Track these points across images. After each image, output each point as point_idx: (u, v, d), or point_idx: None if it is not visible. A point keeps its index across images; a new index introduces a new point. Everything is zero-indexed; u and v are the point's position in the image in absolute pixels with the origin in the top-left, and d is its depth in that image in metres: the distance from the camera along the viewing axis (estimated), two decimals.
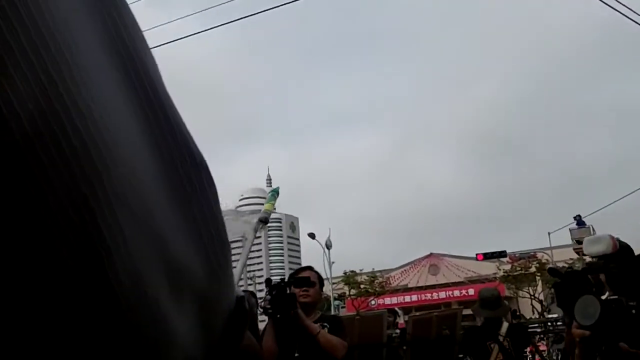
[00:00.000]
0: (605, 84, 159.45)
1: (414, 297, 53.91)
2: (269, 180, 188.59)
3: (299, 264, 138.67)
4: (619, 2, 10.38)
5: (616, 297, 2.96)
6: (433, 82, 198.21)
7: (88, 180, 0.37)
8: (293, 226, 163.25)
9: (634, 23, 10.95)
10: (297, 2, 11.40)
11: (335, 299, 41.16)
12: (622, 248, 3.03)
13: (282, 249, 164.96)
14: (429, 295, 54.12)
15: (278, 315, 3.66)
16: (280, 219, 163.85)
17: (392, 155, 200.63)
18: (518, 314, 18.68)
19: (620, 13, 10.58)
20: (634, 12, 10.80)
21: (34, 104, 0.35)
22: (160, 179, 0.44)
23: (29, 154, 0.35)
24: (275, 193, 3.37)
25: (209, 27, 14.21)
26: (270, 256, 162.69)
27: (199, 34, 14.13)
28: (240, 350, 0.54)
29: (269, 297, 3.69)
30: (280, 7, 11.15)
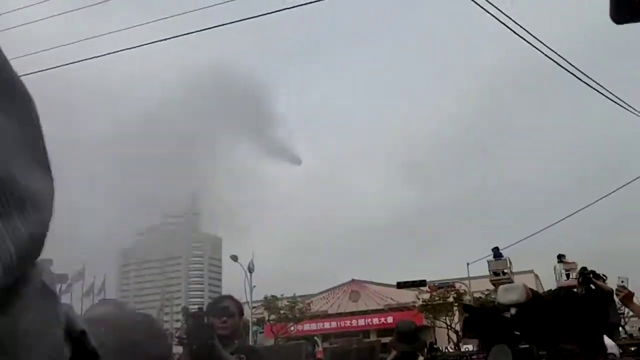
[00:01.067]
0: (535, 111, 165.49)
1: (334, 324, 53.88)
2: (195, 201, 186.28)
3: (219, 286, 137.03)
4: (535, 37, 10.83)
5: (527, 346, 3.04)
6: (360, 103, 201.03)
7: None
8: (215, 247, 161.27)
9: (548, 58, 11.43)
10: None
11: (254, 324, 40.74)
12: (535, 298, 3.12)
13: (203, 270, 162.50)
14: (348, 322, 54.20)
15: (194, 346, 3.57)
16: (203, 239, 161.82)
17: (318, 179, 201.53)
18: (435, 346, 18.95)
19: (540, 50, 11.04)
20: (548, 47, 11.28)
21: None
22: None
23: None
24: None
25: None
26: (190, 277, 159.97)
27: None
28: None
29: (185, 326, 3.59)
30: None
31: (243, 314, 4.25)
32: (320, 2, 11.01)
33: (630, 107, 14.45)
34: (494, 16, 9.95)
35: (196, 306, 4.36)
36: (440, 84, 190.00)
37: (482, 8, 9.66)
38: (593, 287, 8.25)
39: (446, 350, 34.82)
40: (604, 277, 8.52)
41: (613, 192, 24.94)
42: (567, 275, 38.61)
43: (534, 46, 10.73)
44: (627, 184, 23.64)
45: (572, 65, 12.04)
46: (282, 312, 47.16)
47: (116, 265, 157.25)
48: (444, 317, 44.63)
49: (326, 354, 9.24)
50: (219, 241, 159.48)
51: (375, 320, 52.24)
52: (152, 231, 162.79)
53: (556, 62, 11.38)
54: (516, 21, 10.47)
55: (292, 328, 46.34)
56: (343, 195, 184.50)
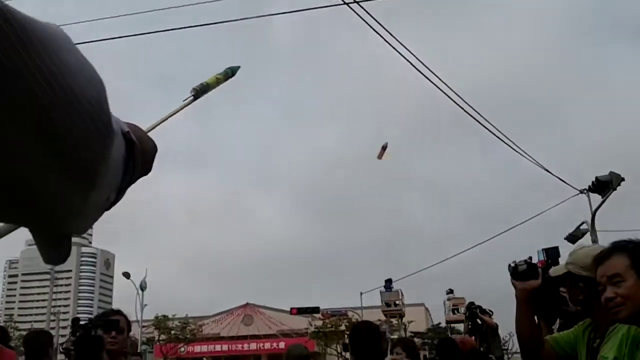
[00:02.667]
0: (431, 157, 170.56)
1: (225, 347, 53.23)
2: None
3: (110, 302, 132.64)
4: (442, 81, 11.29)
5: None
6: (272, 128, 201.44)
7: None
8: (108, 263, 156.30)
9: (455, 104, 11.93)
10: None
11: (143, 343, 39.65)
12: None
13: (93, 286, 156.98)
14: (240, 345, 53.68)
15: (80, 359, 3.50)
16: (95, 254, 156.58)
17: (223, 199, 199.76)
18: None
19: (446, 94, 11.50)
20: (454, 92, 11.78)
21: None
22: None
23: None
24: (230, 71, 2.32)
25: None
26: (79, 292, 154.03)
27: None
28: None
29: (72, 338, 3.51)
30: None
31: (130, 331, 4.18)
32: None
33: (527, 154, 15.26)
34: (403, 56, 10.31)
35: (86, 315, 4.24)
36: (341, 120, 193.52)
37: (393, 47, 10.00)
38: (479, 321, 8.62)
39: None
40: (490, 312, 8.92)
41: (503, 232, 26.04)
42: (454, 311, 39.87)
43: (439, 89, 11.18)
44: (518, 225, 24.75)
45: (475, 110, 12.62)
46: (172, 332, 46.14)
47: (1, 276, 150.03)
48: (334, 345, 44.97)
49: None
50: (112, 257, 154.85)
51: (267, 345, 51.99)
52: None
53: (458, 105, 11.88)
54: (424, 63, 10.90)
55: (182, 349, 45.42)
56: (242, 221, 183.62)
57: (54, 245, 0.61)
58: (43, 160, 0.44)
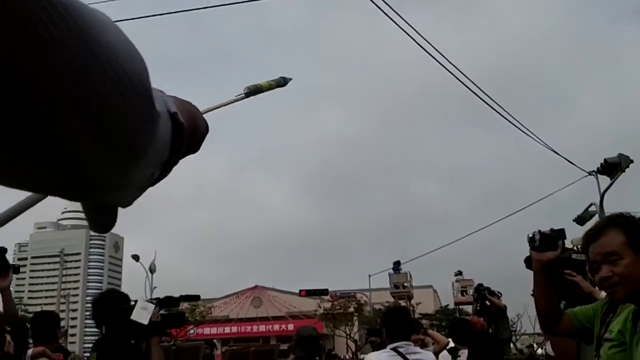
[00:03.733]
0: (440, 138, 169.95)
1: (234, 329, 53.52)
2: None
3: (119, 285, 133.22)
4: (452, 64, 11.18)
5: None
6: (279, 107, 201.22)
7: None
8: (117, 246, 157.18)
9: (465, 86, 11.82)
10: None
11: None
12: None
13: (103, 269, 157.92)
14: (249, 327, 53.95)
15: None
16: (104, 236, 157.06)
17: (232, 182, 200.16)
18: (333, 352, 19.10)
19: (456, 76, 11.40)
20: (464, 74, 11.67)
21: None
22: None
23: None
24: (283, 81, 2.45)
25: None
26: (88, 275, 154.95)
27: None
28: None
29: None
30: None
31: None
32: None
33: (536, 136, 15.16)
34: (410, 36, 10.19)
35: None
36: (351, 103, 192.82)
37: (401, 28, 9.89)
38: (488, 303, 8.59)
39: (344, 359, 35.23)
40: (499, 294, 8.88)
41: (511, 214, 25.96)
42: (463, 292, 39.93)
43: (449, 72, 11.07)
44: (526, 207, 24.68)
45: (485, 93, 12.51)
46: None
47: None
48: (343, 327, 45.12)
49: (225, 356, 9.17)
50: (121, 240, 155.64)
51: (276, 327, 52.23)
52: (50, 225, 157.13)
53: (468, 88, 11.78)
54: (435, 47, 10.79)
55: (191, 331, 45.62)
56: (251, 202, 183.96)
57: (99, 215, 0.63)
58: (87, 130, 0.45)
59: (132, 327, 3.41)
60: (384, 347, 4.79)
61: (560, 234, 3.05)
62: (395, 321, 4.72)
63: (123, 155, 0.50)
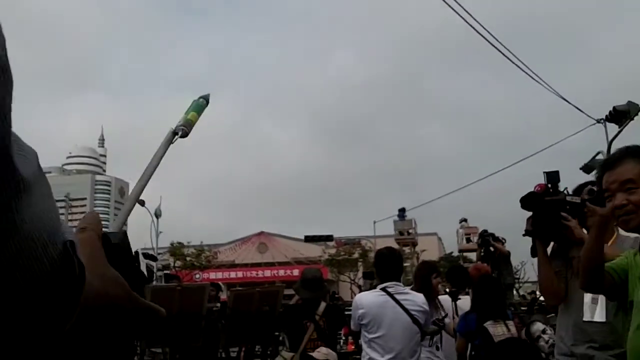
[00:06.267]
0: (447, 82, 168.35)
1: (240, 274, 54.13)
2: (102, 141, 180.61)
3: (124, 230, 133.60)
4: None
5: None
6: (287, 54, 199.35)
7: None
8: (122, 191, 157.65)
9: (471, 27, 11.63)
10: None
11: (159, 269, 40.34)
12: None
13: (108, 214, 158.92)
14: (254, 272, 54.57)
15: None
16: (109, 182, 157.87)
17: (237, 127, 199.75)
18: (337, 295, 19.30)
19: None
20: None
21: None
22: None
23: None
24: (204, 102, 2.17)
25: None
26: None
27: None
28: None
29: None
30: None
31: None
32: None
33: (544, 81, 14.97)
34: None
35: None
36: (358, 46, 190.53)
37: None
38: (492, 249, 8.61)
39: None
40: (503, 240, 8.90)
41: (518, 162, 25.88)
42: (468, 239, 40.11)
43: (463, 18, 10.87)
44: (533, 154, 24.58)
45: (494, 37, 12.31)
46: (188, 259, 46.86)
47: None
48: (348, 272, 45.57)
49: (230, 297, 9.24)
50: (126, 185, 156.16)
51: (282, 272, 52.79)
52: (55, 170, 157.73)
53: (478, 32, 11.59)
54: None
55: (197, 276, 46.17)
56: (257, 148, 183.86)
57: None
58: None
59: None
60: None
61: (554, 176, 3.01)
62: (385, 263, 4.93)
63: None
